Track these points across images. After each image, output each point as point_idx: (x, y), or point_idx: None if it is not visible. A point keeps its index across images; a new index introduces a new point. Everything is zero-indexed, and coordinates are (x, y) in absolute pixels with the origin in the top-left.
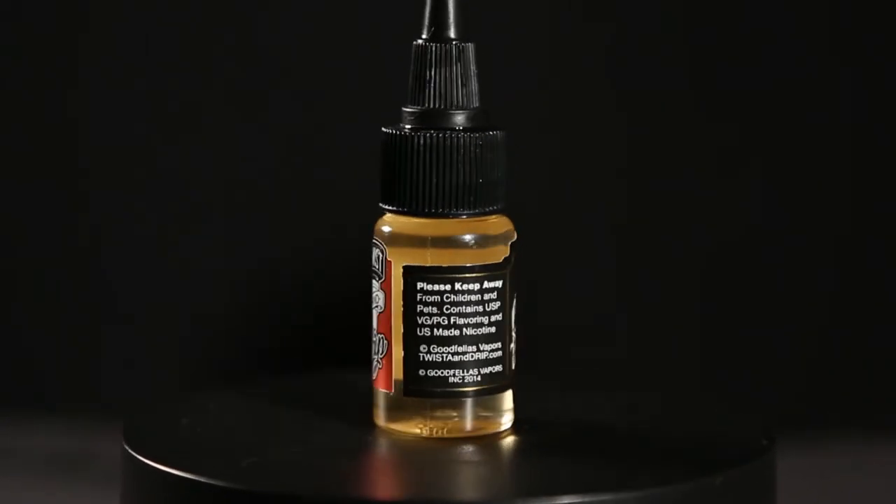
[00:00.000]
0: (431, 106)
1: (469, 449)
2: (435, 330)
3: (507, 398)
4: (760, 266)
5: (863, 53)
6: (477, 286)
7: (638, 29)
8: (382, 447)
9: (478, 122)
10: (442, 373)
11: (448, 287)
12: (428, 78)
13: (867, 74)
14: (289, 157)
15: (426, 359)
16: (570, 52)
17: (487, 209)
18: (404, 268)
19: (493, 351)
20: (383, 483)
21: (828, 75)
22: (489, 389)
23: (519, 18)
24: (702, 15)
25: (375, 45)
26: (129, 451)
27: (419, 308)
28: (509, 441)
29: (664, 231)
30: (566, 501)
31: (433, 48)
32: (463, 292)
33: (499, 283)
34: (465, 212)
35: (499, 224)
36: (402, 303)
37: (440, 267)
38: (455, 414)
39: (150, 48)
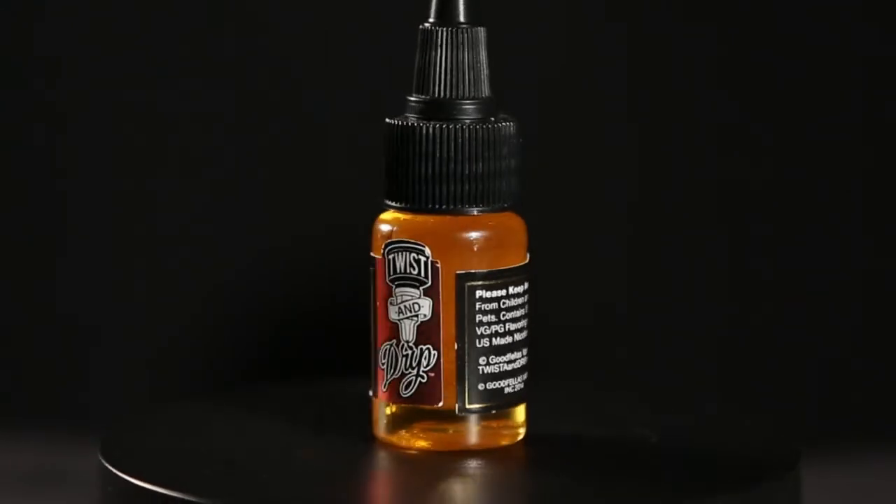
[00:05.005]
0: (438, 95)
1: (476, 464)
2: (493, 339)
3: (520, 408)
4: (783, 270)
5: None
6: (522, 289)
7: (658, 20)
8: (384, 463)
9: (488, 112)
10: (499, 384)
11: (503, 293)
12: (436, 64)
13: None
14: (283, 150)
15: (486, 371)
16: (588, 40)
17: (499, 206)
18: (458, 274)
19: (527, 357)
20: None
21: (850, 79)
22: (525, 398)
23: (532, 3)
24: (722, 8)
25: (379, 29)
26: (107, 465)
27: (478, 318)
28: (520, 455)
29: (681, 234)
30: None
31: (440, 32)
32: (513, 296)
33: (527, 285)
34: (476, 209)
35: (513, 222)
36: (454, 311)
37: (497, 271)
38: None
39: (139, 41)
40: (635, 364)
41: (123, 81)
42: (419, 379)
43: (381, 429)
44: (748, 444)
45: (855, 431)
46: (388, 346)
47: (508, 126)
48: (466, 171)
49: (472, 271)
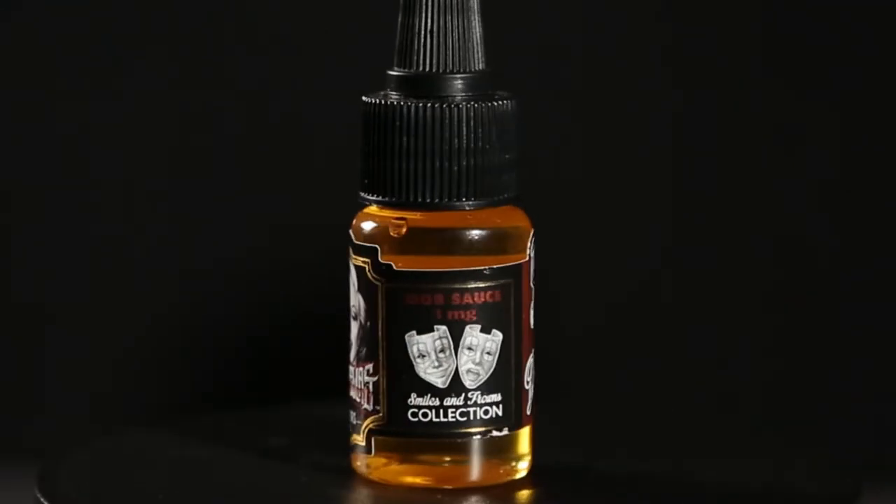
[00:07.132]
0: (424, 68)
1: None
2: None
3: (524, 438)
4: (835, 289)
5: None
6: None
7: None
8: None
9: (482, 88)
10: None
11: None
12: (420, 32)
13: None
14: (242, 131)
15: None
16: (601, 4)
17: (496, 199)
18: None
19: None
20: None
21: None
22: None
23: None
24: None
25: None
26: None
27: None
28: (526, 492)
29: (718, 234)
30: None
31: None
32: None
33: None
34: (469, 202)
35: (512, 217)
36: None
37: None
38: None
39: (108, 30)
40: (670, 388)
41: (95, 75)
42: (533, 385)
43: (364, 464)
44: (796, 480)
45: None
46: (532, 360)
47: (506, 105)
48: (457, 158)
49: None
